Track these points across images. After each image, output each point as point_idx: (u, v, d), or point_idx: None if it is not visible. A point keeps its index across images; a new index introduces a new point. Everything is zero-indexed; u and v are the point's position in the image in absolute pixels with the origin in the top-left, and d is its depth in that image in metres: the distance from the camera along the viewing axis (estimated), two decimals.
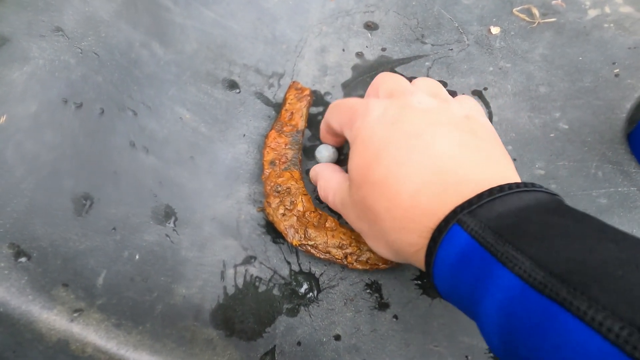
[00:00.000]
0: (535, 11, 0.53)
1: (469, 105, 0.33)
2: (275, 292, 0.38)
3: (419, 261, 0.28)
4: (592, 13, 0.52)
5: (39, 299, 0.29)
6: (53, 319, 0.29)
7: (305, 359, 0.35)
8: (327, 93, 0.50)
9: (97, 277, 0.32)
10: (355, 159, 0.31)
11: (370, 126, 0.30)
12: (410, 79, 0.54)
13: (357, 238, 0.39)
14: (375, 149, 0.29)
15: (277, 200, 0.40)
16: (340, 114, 0.35)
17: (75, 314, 0.30)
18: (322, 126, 0.40)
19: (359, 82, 0.50)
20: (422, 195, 0.27)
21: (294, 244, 0.38)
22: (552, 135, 0.45)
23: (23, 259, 0.30)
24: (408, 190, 0.27)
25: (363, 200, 0.30)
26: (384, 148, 0.29)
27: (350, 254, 0.38)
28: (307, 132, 0.47)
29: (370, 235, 0.32)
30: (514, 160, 0.44)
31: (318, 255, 0.38)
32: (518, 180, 0.27)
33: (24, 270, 0.30)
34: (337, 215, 0.42)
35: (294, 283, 0.38)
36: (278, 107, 0.48)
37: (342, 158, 0.45)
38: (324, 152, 0.42)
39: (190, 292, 0.36)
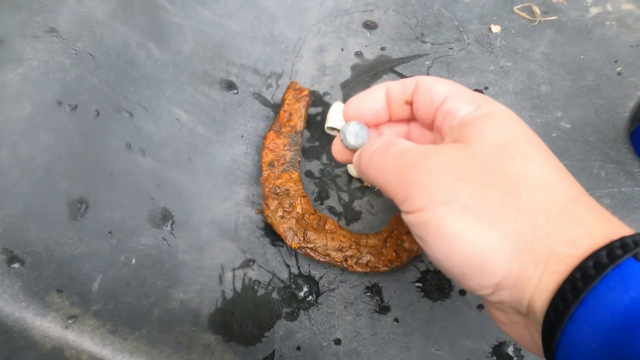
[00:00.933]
0: (536, 9, 0.52)
1: None
2: (275, 295, 0.37)
3: (529, 278, 0.20)
4: (594, 11, 0.52)
5: (32, 305, 0.29)
6: (47, 326, 0.29)
7: None
8: (326, 93, 0.49)
9: (93, 282, 0.32)
10: (496, 125, 0.23)
11: (510, 112, 0.25)
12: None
13: (357, 240, 0.38)
14: (521, 132, 0.23)
15: (276, 202, 0.40)
16: (458, 86, 0.27)
17: (70, 321, 0.30)
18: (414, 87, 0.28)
19: (358, 82, 0.50)
20: (576, 203, 0.21)
21: (293, 246, 0.38)
22: (554, 134, 0.44)
23: (16, 265, 0.29)
24: (569, 190, 0.22)
25: (500, 162, 0.22)
26: (530, 136, 0.24)
27: (350, 256, 0.37)
28: (306, 133, 0.46)
29: (487, 202, 0.21)
30: None
31: (317, 258, 0.37)
32: None
33: (17, 276, 0.29)
34: (337, 217, 0.42)
35: (294, 286, 0.38)
36: (276, 107, 0.47)
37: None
38: (363, 134, 0.28)
39: (187, 296, 0.35)
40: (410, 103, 0.28)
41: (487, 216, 0.21)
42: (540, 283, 0.20)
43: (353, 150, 0.28)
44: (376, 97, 0.28)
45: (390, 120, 0.30)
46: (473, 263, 0.21)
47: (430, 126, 0.28)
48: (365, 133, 0.28)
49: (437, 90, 0.26)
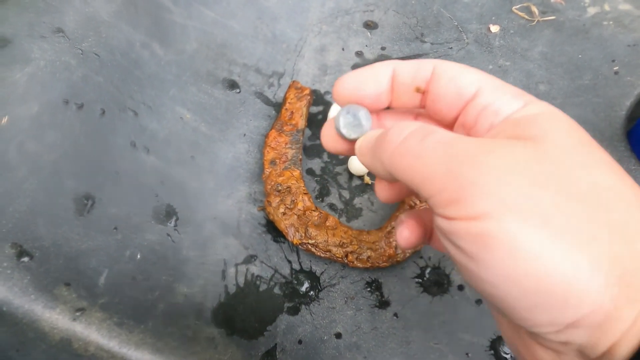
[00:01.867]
0: (535, 9, 0.53)
1: None
2: (276, 290, 0.38)
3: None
4: (592, 11, 0.52)
5: (41, 298, 0.30)
6: (56, 318, 0.30)
7: (307, 357, 0.35)
8: (327, 92, 0.50)
9: (99, 277, 0.33)
10: (563, 127, 0.19)
11: (565, 114, 0.20)
12: None
13: (357, 236, 0.39)
14: (588, 138, 0.19)
15: (278, 199, 0.40)
16: (490, 76, 0.22)
17: (78, 313, 0.31)
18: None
19: None
20: None
21: (294, 242, 0.39)
22: None
23: (25, 259, 0.30)
24: None
25: (582, 169, 0.17)
26: (596, 143, 0.19)
27: (351, 252, 0.38)
28: (308, 131, 0.47)
29: (574, 216, 0.16)
30: None
31: (318, 253, 0.38)
32: None
33: (26, 270, 0.30)
34: (337, 214, 0.42)
35: (295, 282, 0.39)
36: (278, 106, 0.48)
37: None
38: (362, 122, 0.24)
39: (191, 291, 0.36)
40: (423, 91, 0.23)
41: (575, 234, 0.16)
42: (634, 326, 0.16)
43: (351, 141, 0.24)
44: (379, 77, 0.23)
45: (388, 108, 0.25)
46: (553, 293, 0.16)
47: (447, 121, 0.23)
48: (366, 119, 0.23)
49: (465, 81, 0.22)
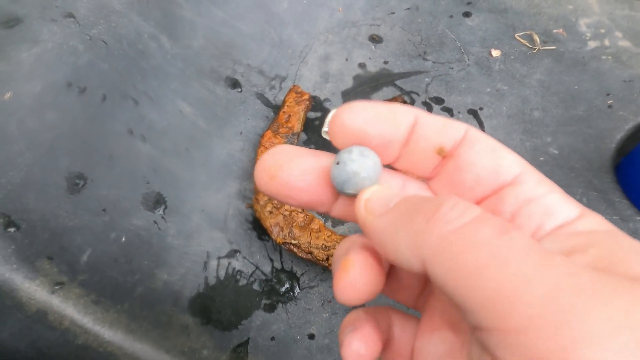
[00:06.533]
0: (537, 38, 0.54)
1: None
2: (255, 287, 0.39)
3: None
4: (592, 44, 0.53)
5: (22, 268, 0.30)
6: (34, 289, 0.30)
7: (278, 354, 0.36)
8: (327, 100, 0.51)
9: (82, 255, 0.33)
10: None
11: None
12: (409, 94, 0.56)
13: (340, 241, 0.40)
14: None
15: (266, 198, 0.41)
16: (525, 162, 0.17)
17: (57, 287, 0.31)
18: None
19: (358, 92, 0.52)
20: None
21: (277, 241, 0.39)
22: (541, 159, 0.46)
23: (12, 229, 0.31)
24: None
25: None
26: None
27: (333, 256, 0.39)
28: (303, 136, 0.48)
29: None
30: None
31: (300, 254, 0.39)
32: None
33: (11, 240, 0.31)
34: (324, 219, 0.43)
35: (275, 280, 0.39)
36: (277, 108, 0.49)
37: None
38: (373, 170, 0.17)
39: (171, 278, 0.37)
40: (445, 155, 0.18)
41: None
42: None
43: (351, 196, 0.17)
44: (398, 119, 0.17)
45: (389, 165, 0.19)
46: None
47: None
48: (378, 165, 0.17)
49: (508, 158, 0.17)
